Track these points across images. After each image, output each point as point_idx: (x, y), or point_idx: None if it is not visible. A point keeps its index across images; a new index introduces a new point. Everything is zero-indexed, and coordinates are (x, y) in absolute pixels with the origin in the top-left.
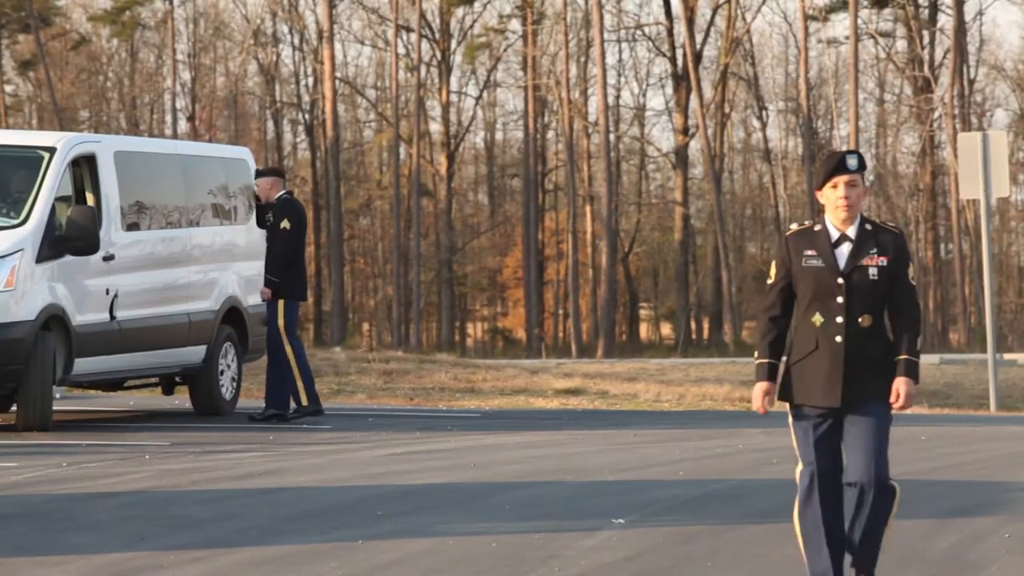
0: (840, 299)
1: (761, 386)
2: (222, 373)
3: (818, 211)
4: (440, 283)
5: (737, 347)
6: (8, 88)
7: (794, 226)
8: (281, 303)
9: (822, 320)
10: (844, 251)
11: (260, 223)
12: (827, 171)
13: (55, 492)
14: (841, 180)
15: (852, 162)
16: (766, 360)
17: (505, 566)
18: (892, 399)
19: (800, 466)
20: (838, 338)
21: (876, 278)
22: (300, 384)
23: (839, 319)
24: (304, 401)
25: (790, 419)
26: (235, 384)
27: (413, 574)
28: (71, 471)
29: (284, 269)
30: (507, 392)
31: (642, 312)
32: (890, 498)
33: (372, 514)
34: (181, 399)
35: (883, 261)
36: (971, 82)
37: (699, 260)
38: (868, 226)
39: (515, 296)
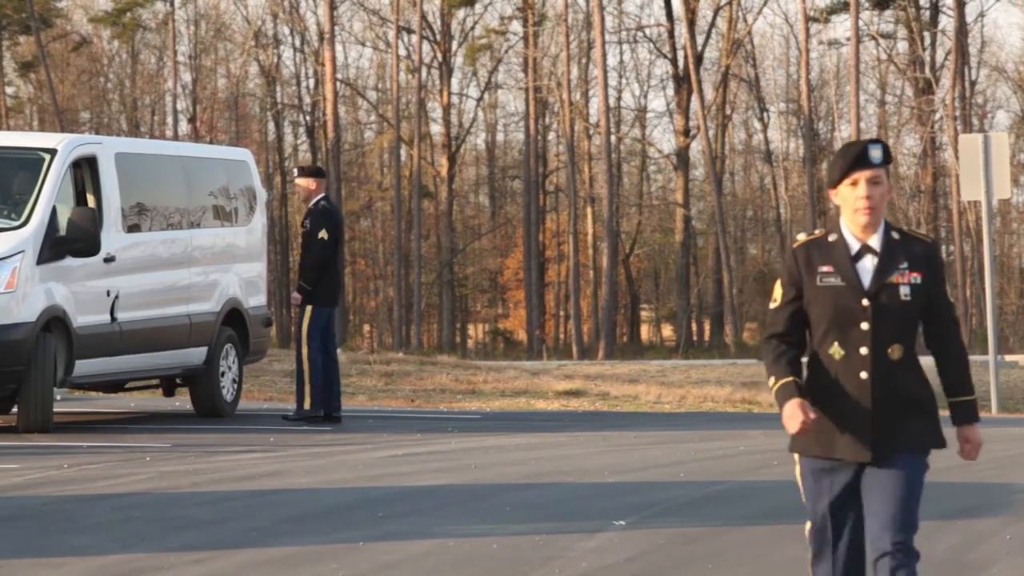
0: (865, 325)
1: (794, 403)
2: (223, 375)
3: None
4: (441, 285)
5: (738, 349)
6: (9, 90)
7: (801, 236)
8: (309, 308)
9: (842, 353)
10: (867, 266)
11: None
12: (845, 164)
13: (56, 494)
14: (862, 176)
15: (876, 154)
16: (789, 379)
17: (506, 567)
18: (961, 450)
19: (809, 525)
20: (863, 374)
21: (909, 298)
22: (307, 388)
23: (863, 350)
24: (307, 405)
25: (797, 470)
26: (236, 386)
27: (414, 575)
28: (72, 473)
29: (317, 277)
30: (508, 394)
31: (643, 314)
32: (913, 562)
33: (373, 515)
34: (182, 401)
35: (916, 278)
36: (972, 84)
37: (700, 261)
38: (895, 234)
39: (516, 297)
